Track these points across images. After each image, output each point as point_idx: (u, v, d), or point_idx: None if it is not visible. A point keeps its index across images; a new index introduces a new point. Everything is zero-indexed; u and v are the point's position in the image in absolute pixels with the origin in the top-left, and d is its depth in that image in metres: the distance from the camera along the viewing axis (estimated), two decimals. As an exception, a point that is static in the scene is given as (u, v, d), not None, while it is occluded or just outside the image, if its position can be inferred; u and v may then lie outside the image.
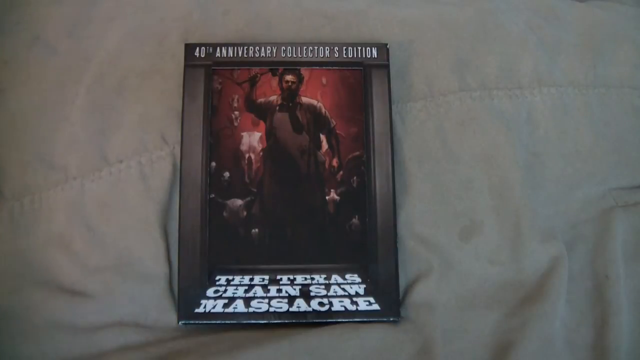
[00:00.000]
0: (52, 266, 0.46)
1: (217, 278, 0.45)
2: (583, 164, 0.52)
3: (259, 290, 0.45)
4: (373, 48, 0.50)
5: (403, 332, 0.45)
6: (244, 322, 0.44)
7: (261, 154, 0.47)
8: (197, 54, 0.49)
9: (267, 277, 0.45)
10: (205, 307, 0.44)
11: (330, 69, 0.49)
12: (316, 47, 0.49)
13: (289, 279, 0.45)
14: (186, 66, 0.48)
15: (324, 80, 0.49)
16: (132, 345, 0.45)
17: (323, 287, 0.45)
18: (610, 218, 0.51)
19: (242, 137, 0.48)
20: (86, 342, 0.44)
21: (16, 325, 0.44)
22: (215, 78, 0.48)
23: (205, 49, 0.49)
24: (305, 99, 0.49)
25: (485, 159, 0.50)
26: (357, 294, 0.45)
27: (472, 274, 0.47)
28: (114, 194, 0.47)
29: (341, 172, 0.47)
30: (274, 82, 0.49)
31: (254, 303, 0.45)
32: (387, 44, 0.50)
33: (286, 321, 0.45)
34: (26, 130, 0.48)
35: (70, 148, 0.48)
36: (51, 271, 0.46)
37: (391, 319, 0.45)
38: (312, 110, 0.48)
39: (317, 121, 0.48)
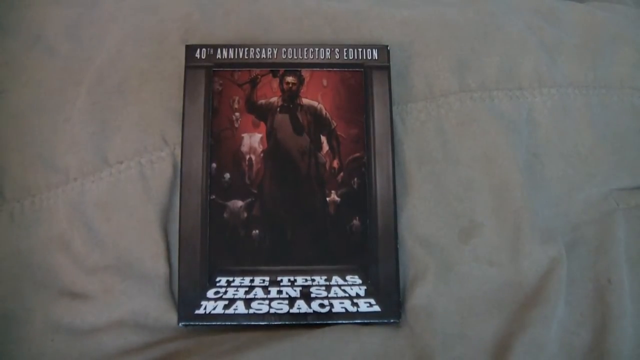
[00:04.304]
0: (52, 267, 0.46)
1: (218, 279, 0.45)
2: (583, 164, 0.52)
3: (259, 292, 0.45)
4: (374, 49, 0.50)
5: (403, 336, 0.45)
6: (245, 323, 0.44)
7: (262, 155, 0.47)
8: (197, 55, 0.49)
9: (267, 278, 0.45)
10: (205, 308, 0.44)
11: (330, 71, 0.49)
12: (317, 49, 0.49)
13: (289, 280, 0.45)
14: (187, 67, 0.48)
15: (324, 82, 0.49)
16: (132, 346, 0.45)
17: (323, 288, 0.45)
18: (611, 220, 0.51)
19: (242, 138, 0.48)
20: (86, 343, 0.44)
21: (16, 327, 0.44)
22: (215, 79, 0.48)
23: (206, 50, 0.49)
24: (305, 101, 0.49)
25: (485, 160, 0.50)
26: (358, 296, 0.45)
27: (471, 276, 0.47)
28: (114, 195, 0.47)
29: (342, 174, 0.47)
30: (275, 83, 0.49)
31: (254, 304, 0.45)
32: (387, 46, 0.50)
33: (286, 322, 0.45)
34: (26, 131, 0.48)
35: (70, 149, 0.48)
36: (51, 272, 0.46)
37: (392, 321, 0.45)
38: (312, 111, 0.48)
39: (318, 122, 0.48)
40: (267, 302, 0.45)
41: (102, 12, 0.52)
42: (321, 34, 0.51)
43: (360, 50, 0.50)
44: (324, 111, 0.48)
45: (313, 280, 0.45)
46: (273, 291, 0.45)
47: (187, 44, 0.49)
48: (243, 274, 0.45)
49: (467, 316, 0.46)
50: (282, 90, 0.49)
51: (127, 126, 0.48)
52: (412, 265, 0.47)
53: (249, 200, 0.47)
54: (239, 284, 0.45)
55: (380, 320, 0.45)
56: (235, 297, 0.45)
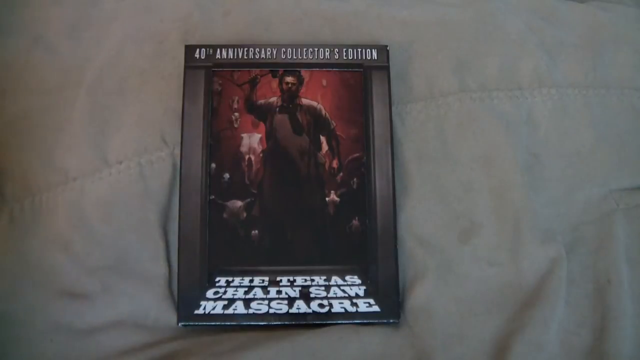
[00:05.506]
0: (52, 267, 0.46)
1: (217, 279, 0.45)
2: (583, 165, 0.52)
3: (258, 292, 0.45)
4: (373, 50, 0.50)
5: (403, 336, 0.45)
6: (244, 323, 0.44)
7: (261, 155, 0.47)
8: (197, 55, 0.49)
9: (266, 278, 0.45)
10: (205, 308, 0.44)
11: (330, 71, 0.49)
12: (316, 49, 0.49)
13: (288, 280, 0.45)
14: (186, 67, 0.48)
15: (324, 82, 0.49)
16: (132, 346, 0.45)
17: (323, 288, 0.45)
18: (611, 220, 0.50)
19: (242, 138, 0.48)
20: (85, 344, 0.44)
21: (15, 327, 0.44)
22: (215, 79, 0.48)
23: (206, 50, 0.49)
24: (305, 101, 0.49)
25: (485, 160, 0.50)
26: (357, 296, 0.45)
27: (471, 276, 0.47)
28: (114, 195, 0.47)
29: (341, 174, 0.47)
30: (274, 83, 0.49)
31: (253, 304, 0.45)
32: (387, 46, 0.50)
33: (286, 322, 0.45)
34: (26, 131, 0.48)
35: (70, 149, 0.48)
36: (51, 272, 0.46)
37: (391, 321, 0.45)
38: (312, 111, 0.48)
39: (317, 123, 0.48)
40: (266, 302, 0.45)
41: (102, 12, 0.52)
42: (321, 34, 0.52)
43: (359, 50, 0.50)
44: (323, 111, 0.48)
45: (312, 280, 0.45)
46: (272, 291, 0.45)
47: (187, 44, 0.49)
48: (242, 274, 0.45)
49: (467, 316, 0.46)
50: (282, 90, 0.49)
51: (127, 126, 0.48)
52: (411, 265, 0.47)
53: (249, 200, 0.47)
54: (239, 284, 0.45)
55: (380, 321, 0.45)
56: (235, 297, 0.45)
